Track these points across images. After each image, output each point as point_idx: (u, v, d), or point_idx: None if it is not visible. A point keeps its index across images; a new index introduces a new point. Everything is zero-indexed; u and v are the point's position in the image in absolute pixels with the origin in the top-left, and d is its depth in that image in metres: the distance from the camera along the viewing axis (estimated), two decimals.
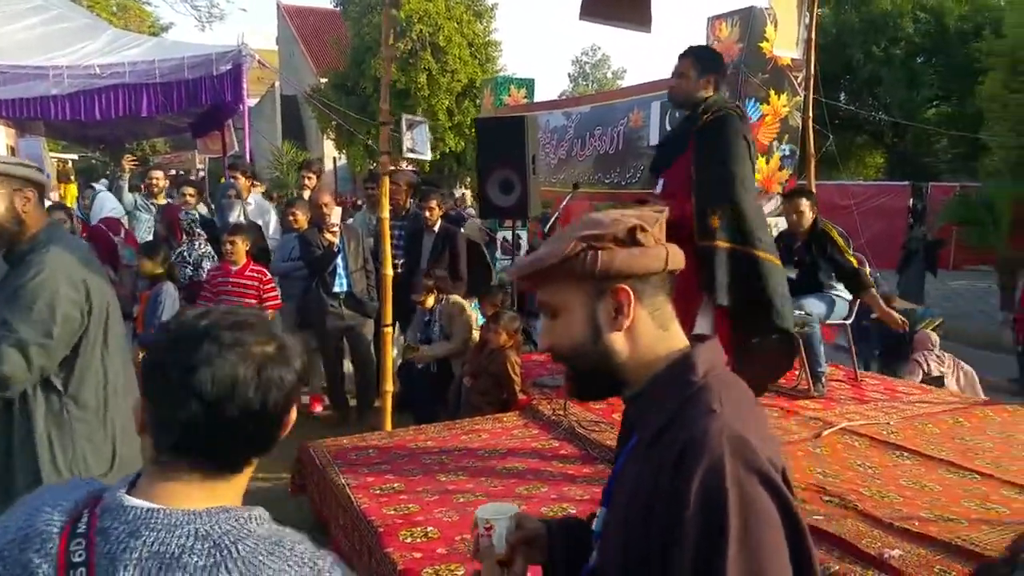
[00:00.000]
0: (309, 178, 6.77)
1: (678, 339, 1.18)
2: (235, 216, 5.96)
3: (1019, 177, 13.51)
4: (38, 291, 2.19)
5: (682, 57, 3.46)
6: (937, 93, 22.52)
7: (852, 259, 4.79)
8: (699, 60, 3.43)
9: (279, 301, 5.31)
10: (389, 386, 4.44)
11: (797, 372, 5.06)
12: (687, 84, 3.43)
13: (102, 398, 2.37)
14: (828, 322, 4.95)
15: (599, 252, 1.11)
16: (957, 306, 13.57)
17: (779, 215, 6.87)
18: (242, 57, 7.81)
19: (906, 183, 19.43)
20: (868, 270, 5.34)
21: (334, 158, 24.73)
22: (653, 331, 1.14)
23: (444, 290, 5.46)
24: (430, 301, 5.37)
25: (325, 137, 23.77)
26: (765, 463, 1.03)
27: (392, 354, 5.91)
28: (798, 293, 4.89)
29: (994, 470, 3.53)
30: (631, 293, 1.12)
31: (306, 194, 6.56)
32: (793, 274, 4.99)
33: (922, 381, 5.43)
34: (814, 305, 4.82)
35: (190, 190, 5.89)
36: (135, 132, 13.91)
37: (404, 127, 4.15)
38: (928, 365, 5.56)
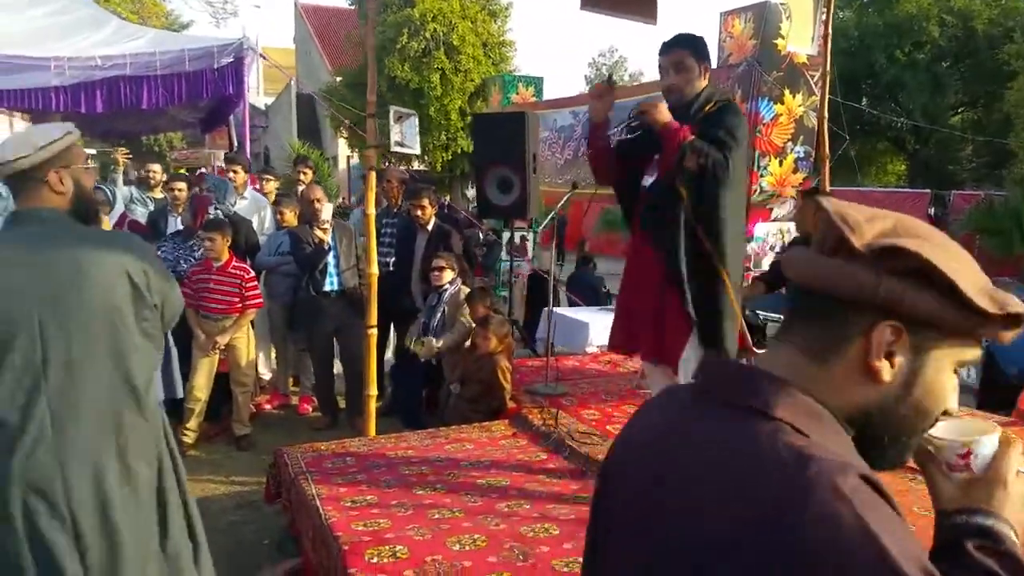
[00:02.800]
0: (304, 173, 6.59)
1: None
2: (209, 209, 5.74)
3: None
4: None
5: (675, 47, 3.09)
6: (962, 99, 22.09)
7: None
8: (695, 49, 3.11)
9: (261, 300, 5.12)
10: (373, 390, 4.22)
11: None
12: (691, 76, 3.10)
13: None
14: None
15: None
16: None
17: (792, 220, 6.62)
18: (243, 50, 7.67)
19: (926, 190, 19.07)
20: None
21: (347, 157, 24.68)
22: None
23: (463, 276, 5.25)
24: (447, 276, 5.11)
25: (338, 136, 23.66)
26: None
27: (387, 356, 5.75)
28: None
29: None
30: None
31: (300, 190, 6.37)
32: None
33: None
34: None
35: (179, 184, 5.71)
36: (151, 126, 13.88)
37: (392, 119, 3.94)
38: None
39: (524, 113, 5.47)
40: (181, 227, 5.69)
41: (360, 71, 21.59)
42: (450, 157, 19.64)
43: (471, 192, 21.84)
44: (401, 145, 4.04)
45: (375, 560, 2.68)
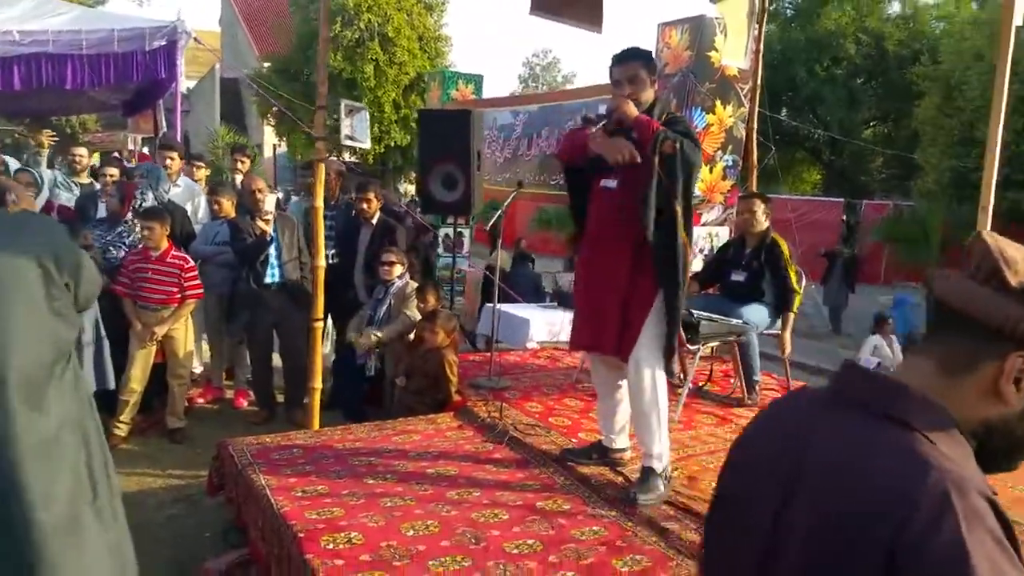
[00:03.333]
0: (242, 162, 6.50)
1: None
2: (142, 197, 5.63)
3: (951, 198, 13.96)
4: None
5: (630, 60, 3.30)
6: (875, 113, 23.21)
7: (794, 276, 4.80)
8: (647, 63, 3.33)
9: (201, 291, 5.05)
10: (318, 383, 4.26)
11: (732, 380, 5.06)
12: (643, 88, 3.30)
13: None
14: (764, 332, 4.93)
15: None
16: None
17: (720, 224, 6.90)
18: (177, 34, 7.49)
19: (839, 199, 19.96)
20: (804, 283, 5.37)
21: (274, 145, 24.21)
22: None
23: (411, 271, 5.30)
24: (396, 271, 5.15)
25: (265, 123, 23.21)
26: None
27: (325, 349, 5.74)
28: (740, 299, 4.87)
29: None
30: None
31: (238, 179, 6.29)
32: (742, 277, 4.96)
33: None
34: (755, 314, 4.78)
35: (112, 171, 5.57)
36: (64, 106, 13.29)
37: (343, 113, 3.97)
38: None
39: (470, 111, 5.56)
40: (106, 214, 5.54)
41: (289, 58, 21.24)
42: (383, 150, 19.51)
43: (403, 186, 21.74)
44: (351, 139, 4.07)
45: (331, 546, 2.73)
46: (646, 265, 3.19)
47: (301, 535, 2.79)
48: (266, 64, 23.29)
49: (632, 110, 3.18)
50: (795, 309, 4.83)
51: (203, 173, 6.93)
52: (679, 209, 3.14)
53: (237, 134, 24.11)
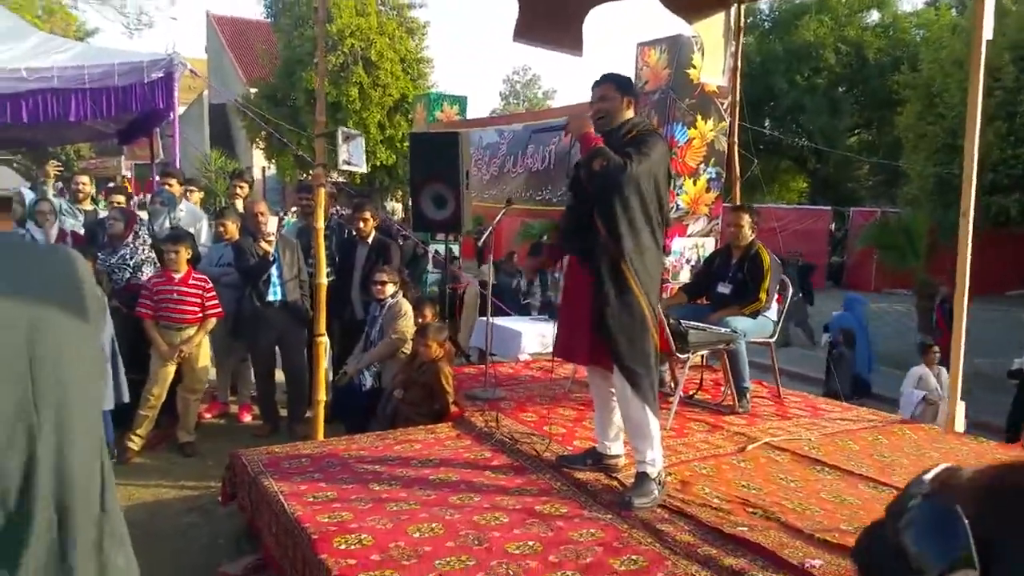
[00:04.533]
0: (241, 187, 6.73)
1: None
2: (160, 223, 5.85)
3: (935, 205, 14.16)
4: None
5: (601, 83, 3.58)
6: (857, 121, 23.53)
7: (765, 288, 4.98)
8: (619, 84, 3.58)
9: (221, 310, 5.27)
10: (322, 396, 4.45)
11: (723, 388, 5.23)
12: (613, 105, 3.54)
13: None
14: (751, 340, 5.09)
15: None
16: (878, 328, 14.06)
17: (706, 235, 7.11)
18: (174, 66, 7.74)
19: (828, 208, 20.22)
20: (790, 293, 5.55)
21: (263, 168, 24.43)
22: None
23: (404, 289, 5.50)
24: (389, 290, 5.32)
25: (254, 146, 23.44)
26: None
27: (324, 364, 5.93)
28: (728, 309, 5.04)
29: None
30: None
31: (238, 203, 6.51)
32: (728, 289, 5.15)
33: None
34: (740, 322, 4.94)
35: (119, 198, 5.78)
36: (61, 136, 13.51)
37: (340, 139, 4.20)
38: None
39: (458, 133, 5.77)
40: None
41: (276, 83, 21.54)
42: (370, 170, 19.78)
43: (390, 204, 21.95)
44: (349, 164, 4.28)
45: (343, 547, 2.91)
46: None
47: (315, 537, 2.97)
48: (253, 90, 23.57)
49: (582, 126, 3.45)
50: (747, 311, 4.99)
51: (197, 197, 7.13)
52: (600, 226, 3.33)
53: (228, 158, 24.34)
